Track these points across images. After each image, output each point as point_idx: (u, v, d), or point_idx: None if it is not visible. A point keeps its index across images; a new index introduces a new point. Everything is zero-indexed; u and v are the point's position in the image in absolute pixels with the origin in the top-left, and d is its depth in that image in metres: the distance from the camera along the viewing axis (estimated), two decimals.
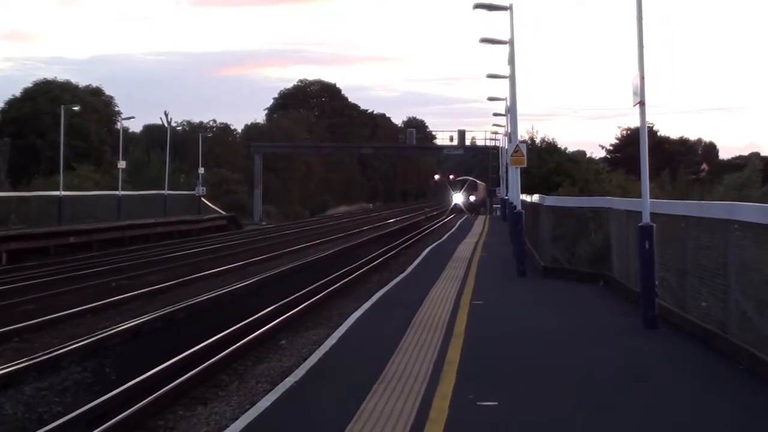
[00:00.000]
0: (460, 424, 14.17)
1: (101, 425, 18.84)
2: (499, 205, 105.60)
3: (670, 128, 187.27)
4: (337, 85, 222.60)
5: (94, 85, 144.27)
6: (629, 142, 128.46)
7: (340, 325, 25.91)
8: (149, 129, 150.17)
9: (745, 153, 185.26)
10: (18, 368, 24.99)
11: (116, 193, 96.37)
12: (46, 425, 19.01)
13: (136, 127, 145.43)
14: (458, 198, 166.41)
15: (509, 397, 15.82)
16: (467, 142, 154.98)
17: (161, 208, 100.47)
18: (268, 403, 16.29)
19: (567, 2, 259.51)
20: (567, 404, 16.12)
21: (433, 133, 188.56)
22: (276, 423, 15.27)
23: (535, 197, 48.56)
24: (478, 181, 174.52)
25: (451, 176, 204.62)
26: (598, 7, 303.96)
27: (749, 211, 18.74)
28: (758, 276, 17.40)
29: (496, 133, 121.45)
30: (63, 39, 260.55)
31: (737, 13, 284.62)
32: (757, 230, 17.38)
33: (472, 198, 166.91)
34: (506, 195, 57.65)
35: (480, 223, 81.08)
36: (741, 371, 17.43)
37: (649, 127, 25.89)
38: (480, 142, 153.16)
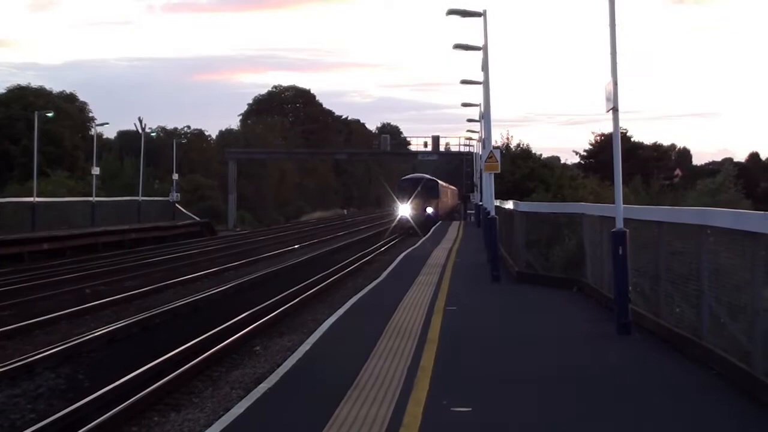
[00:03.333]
0: (434, 430, 14.19)
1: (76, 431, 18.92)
2: (473, 211, 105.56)
3: (643, 134, 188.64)
4: (312, 91, 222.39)
5: (68, 91, 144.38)
6: (603, 147, 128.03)
7: (314, 330, 25.91)
8: (123, 135, 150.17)
9: (719, 158, 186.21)
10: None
11: (90, 199, 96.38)
12: None
13: (110, 133, 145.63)
14: (406, 210, 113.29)
15: (483, 403, 15.89)
16: (441, 148, 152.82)
17: (135, 215, 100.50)
18: (242, 410, 16.26)
19: (541, 8, 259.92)
20: (540, 410, 16.18)
21: (408, 139, 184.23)
22: (250, 429, 15.30)
23: (509, 203, 48.57)
24: (440, 182, 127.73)
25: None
26: (573, 14, 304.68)
27: (722, 217, 18.82)
28: (731, 281, 17.47)
29: (470, 138, 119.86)
30: (37, 45, 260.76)
31: (711, 20, 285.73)
32: (730, 236, 17.45)
33: (430, 210, 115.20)
34: (480, 201, 57.91)
35: (454, 230, 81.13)
36: (713, 376, 17.49)
37: (622, 132, 25.95)
38: (454, 148, 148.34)
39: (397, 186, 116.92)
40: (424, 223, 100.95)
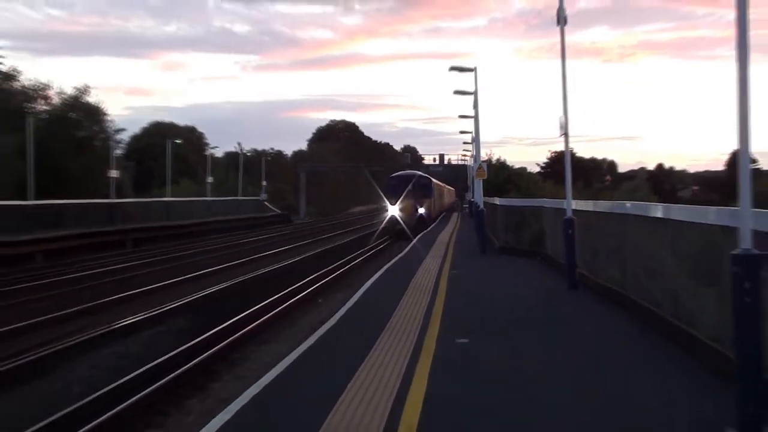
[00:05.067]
0: (443, 354, 14.39)
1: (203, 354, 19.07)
2: (467, 205, 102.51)
3: (584, 151, 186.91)
4: (356, 124, 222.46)
5: (190, 125, 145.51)
6: (557, 161, 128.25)
7: (360, 288, 25.56)
8: (228, 154, 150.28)
9: (636, 168, 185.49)
10: (139, 319, 25.16)
11: (206, 198, 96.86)
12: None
13: (219, 153, 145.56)
14: (395, 210, 74.93)
15: (476, 335, 15.99)
16: (445, 162, 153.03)
17: (236, 209, 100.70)
18: (312, 341, 16.33)
19: (515, 64, 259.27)
20: (515, 336, 16.53)
21: (422, 156, 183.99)
22: (319, 354, 15.20)
23: (495, 200, 48.78)
24: (434, 180, 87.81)
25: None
26: (539, 67, 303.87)
27: (640, 208, 19.00)
28: (645, 252, 17.59)
29: (465, 155, 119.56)
30: (168, 93, 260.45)
31: (633, 74, 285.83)
32: (644, 221, 17.60)
33: (422, 210, 76.34)
34: (473, 198, 57.83)
35: (454, 220, 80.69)
36: (634, 317, 17.64)
37: (570, 150, 25.96)
38: (454, 162, 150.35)
39: (386, 183, 75.89)
40: (415, 224, 67.13)
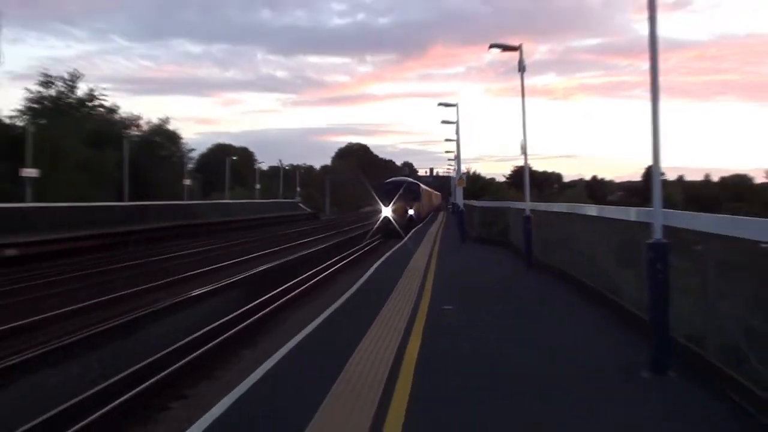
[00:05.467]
0: (434, 316, 14.40)
1: (251, 318, 19.12)
2: (451, 206, 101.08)
3: (538, 165, 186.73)
4: (368, 145, 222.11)
5: (244, 145, 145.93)
6: (518, 173, 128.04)
7: (368, 269, 25.54)
8: (271, 168, 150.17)
9: (576, 179, 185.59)
10: (204, 291, 25.22)
11: (255, 201, 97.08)
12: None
13: (264, 167, 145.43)
14: (388, 211, 66.82)
15: (458, 302, 15.98)
16: (435, 174, 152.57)
17: (277, 208, 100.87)
18: (338, 305, 16.30)
19: (486, 101, 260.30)
20: (485, 301, 16.48)
21: (417, 169, 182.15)
22: (344, 312, 15.12)
23: (474, 201, 48.95)
24: (422, 186, 79.18)
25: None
26: (502, 104, 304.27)
27: (578, 208, 19.12)
28: (584, 240, 17.64)
29: (449, 169, 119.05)
30: (227, 122, 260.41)
31: (574, 109, 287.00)
32: (582, 218, 17.67)
33: (411, 211, 68.15)
34: (455, 201, 58.00)
35: (441, 218, 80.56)
36: (575, 289, 17.67)
37: (528, 165, 26.06)
38: (442, 174, 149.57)
39: (380, 188, 68.14)
40: (406, 224, 61.05)
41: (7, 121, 68.13)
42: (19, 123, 68.08)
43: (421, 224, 63.75)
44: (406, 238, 42.77)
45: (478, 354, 11.01)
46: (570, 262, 19.41)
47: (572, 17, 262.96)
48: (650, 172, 9.89)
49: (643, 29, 9.58)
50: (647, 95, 9.58)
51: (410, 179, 69.91)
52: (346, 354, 10.82)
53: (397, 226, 56.00)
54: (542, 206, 25.88)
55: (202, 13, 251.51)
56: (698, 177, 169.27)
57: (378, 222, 60.02)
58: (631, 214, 13.10)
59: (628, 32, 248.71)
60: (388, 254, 30.34)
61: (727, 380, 8.46)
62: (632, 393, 8.71)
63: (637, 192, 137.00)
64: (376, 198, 62.74)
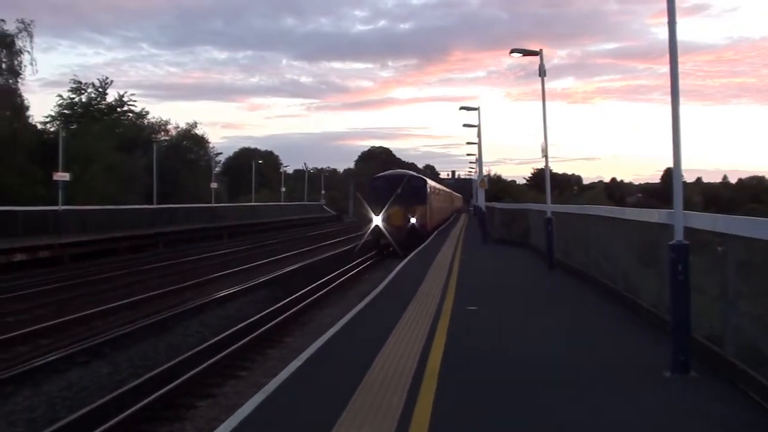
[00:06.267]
0: (457, 316, 14.35)
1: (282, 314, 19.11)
2: (472, 208, 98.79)
3: (558, 168, 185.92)
4: (390, 148, 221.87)
5: (269, 149, 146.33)
6: (538, 175, 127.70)
7: (393, 269, 25.37)
8: (296, 171, 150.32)
9: (596, 181, 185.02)
10: (232, 291, 25.27)
11: (280, 203, 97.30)
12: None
13: (289, 170, 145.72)
14: (379, 220, 41.21)
15: (482, 304, 15.93)
16: (456, 176, 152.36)
17: (302, 211, 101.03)
18: (360, 307, 16.32)
19: (506, 104, 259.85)
20: (508, 302, 16.40)
21: (439, 172, 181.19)
22: (370, 310, 15.09)
23: (496, 204, 48.98)
24: (430, 182, 52.64)
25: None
26: (521, 107, 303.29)
27: (599, 210, 19.04)
28: (602, 242, 17.57)
29: (470, 171, 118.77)
30: (252, 127, 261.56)
31: (593, 113, 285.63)
32: (602, 219, 17.59)
33: (414, 219, 42.29)
34: (476, 203, 57.58)
35: (463, 219, 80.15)
36: (595, 289, 17.59)
37: (549, 167, 26.01)
38: (463, 176, 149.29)
39: (369, 187, 46.44)
40: (405, 238, 40.84)
41: (40, 126, 68.66)
42: (52, 128, 68.56)
43: (434, 235, 45.18)
44: (408, 258, 30.22)
45: (501, 353, 10.96)
46: (590, 263, 19.32)
47: (590, 22, 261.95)
48: (669, 174, 9.87)
49: (661, 33, 9.60)
50: (665, 98, 9.55)
51: (412, 173, 48.49)
52: (373, 351, 10.82)
53: (391, 239, 39.58)
54: (562, 208, 25.82)
55: (228, 21, 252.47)
56: (716, 179, 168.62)
57: (366, 234, 41.71)
58: (651, 215, 13.04)
59: (646, 36, 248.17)
60: (411, 255, 30.20)
61: (748, 380, 8.39)
62: (654, 393, 8.63)
63: (656, 193, 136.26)
64: (363, 201, 43.86)
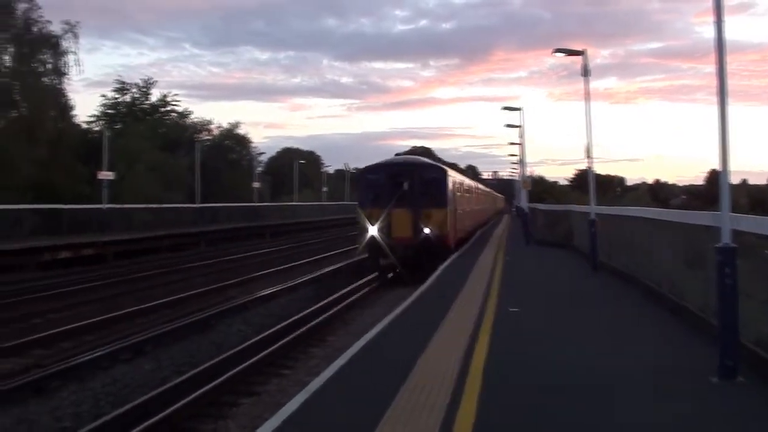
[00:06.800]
0: (500, 319, 14.29)
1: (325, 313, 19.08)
2: (515, 209, 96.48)
3: (600, 169, 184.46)
4: (431, 148, 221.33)
5: (310, 149, 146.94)
6: (581, 177, 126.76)
7: (440, 267, 25.30)
8: (337, 171, 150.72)
9: (639, 182, 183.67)
10: (275, 290, 25.38)
11: (322, 203, 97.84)
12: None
13: (331, 170, 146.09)
14: (375, 230, 27.38)
15: (525, 305, 15.86)
16: (498, 177, 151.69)
17: (344, 210, 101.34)
18: (407, 304, 16.39)
19: (548, 104, 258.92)
20: (551, 304, 16.34)
21: (481, 172, 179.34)
22: (417, 306, 15.15)
23: (538, 205, 48.77)
24: (451, 172, 32.82)
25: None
26: (563, 107, 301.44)
27: (644, 212, 18.87)
28: (649, 244, 17.42)
29: (513, 172, 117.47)
30: (294, 127, 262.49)
31: (636, 113, 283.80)
32: (646, 221, 17.45)
33: (428, 230, 27.58)
34: (519, 203, 57.16)
35: (506, 220, 79.44)
36: (640, 292, 17.44)
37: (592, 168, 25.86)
38: (505, 177, 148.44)
39: (362, 181, 30.87)
40: (415, 256, 27.59)
41: (85, 126, 69.46)
42: (96, 128, 69.33)
43: (457, 253, 31.00)
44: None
45: (545, 355, 10.91)
46: (635, 265, 19.16)
47: (633, 21, 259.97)
48: (713, 176, 9.74)
49: (705, 32, 9.65)
50: (709, 98, 9.53)
51: (425, 159, 33.33)
52: (417, 351, 10.82)
53: (394, 258, 28.05)
54: (606, 209, 25.62)
55: (269, 22, 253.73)
56: (761, 180, 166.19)
57: (360, 249, 29.52)
58: (697, 217, 12.90)
59: (690, 36, 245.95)
60: (454, 256, 30.03)
61: None
62: (701, 398, 8.55)
63: (700, 195, 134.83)
64: (358, 203, 30.63)
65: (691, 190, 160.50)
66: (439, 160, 48.67)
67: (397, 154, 33.75)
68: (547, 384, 9.21)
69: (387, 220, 27.67)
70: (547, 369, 10.00)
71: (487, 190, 75.04)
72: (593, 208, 24.83)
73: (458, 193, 33.85)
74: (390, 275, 28.32)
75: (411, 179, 28.35)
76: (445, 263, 26.61)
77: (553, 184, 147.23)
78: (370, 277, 27.67)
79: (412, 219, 27.88)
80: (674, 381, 9.35)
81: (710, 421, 7.79)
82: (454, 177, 33.10)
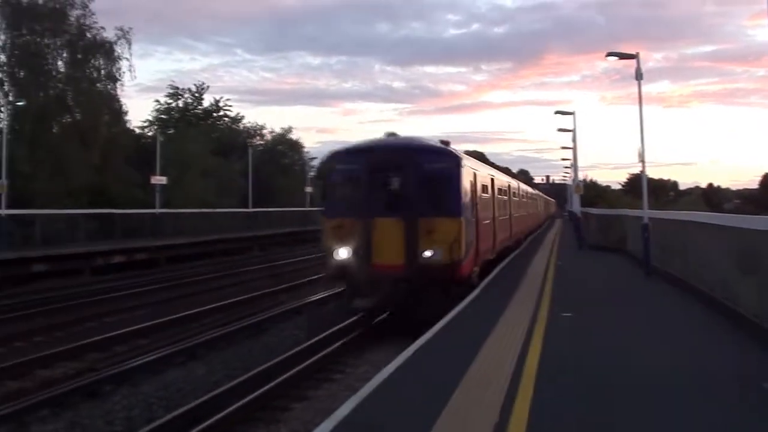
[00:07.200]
0: (553, 323, 14.27)
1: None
2: (566, 213, 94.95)
3: (653, 173, 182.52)
4: (483, 152, 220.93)
5: None
6: (633, 181, 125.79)
7: (491, 273, 25.43)
8: None
9: (692, 186, 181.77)
10: (328, 294, 25.48)
11: None
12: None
13: None
14: (345, 252, 16.57)
15: (577, 311, 15.79)
16: (551, 181, 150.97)
17: None
18: (456, 311, 16.47)
19: (600, 108, 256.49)
20: (603, 309, 16.26)
21: (533, 177, 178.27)
22: (469, 310, 15.21)
23: (591, 209, 48.46)
24: (472, 162, 20.98)
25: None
26: (616, 111, 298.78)
27: (698, 216, 18.72)
28: (703, 248, 17.27)
29: (565, 176, 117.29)
30: (346, 131, 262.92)
31: (690, 117, 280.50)
32: (700, 226, 17.32)
33: (430, 252, 16.58)
34: (571, 208, 56.73)
35: (557, 225, 78.61)
36: (694, 298, 17.30)
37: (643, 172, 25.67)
38: (557, 182, 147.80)
39: (331, 175, 18.21)
40: (407, 291, 16.39)
41: (138, 131, 70.42)
42: (149, 133, 70.30)
43: (480, 287, 19.85)
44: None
45: (597, 358, 10.91)
46: (688, 271, 19.00)
47: (686, 25, 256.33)
48: None
49: (758, 35, 9.43)
50: (764, 102, 9.36)
51: (426, 141, 19.99)
52: (470, 354, 10.89)
53: (373, 295, 17.09)
54: (659, 214, 25.42)
55: (321, 27, 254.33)
56: None
57: (327, 278, 19.98)
58: (753, 222, 12.79)
59: (743, 39, 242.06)
60: (507, 260, 29.84)
61: None
62: (753, 403, 8.49)
63: (754, 200, 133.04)
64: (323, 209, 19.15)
65: (744, 195, 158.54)
66: (492, 164, 47.67)
67: (388, 134, 20.89)
68: (599, 383, 9.30)
69: (366, 236, 17.27)
70: (599, 370, 10.03)
71: (535, 192, 67.21)
72: (646, 213, 24.66)
73: (483, 195, 22.34)
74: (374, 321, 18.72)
75: (404, 172, 17.56)
76: (496, 269, 25.67)
77: (606, 189, 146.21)
78: None
79: (405, 235, 17.25)
80: (725, 385, 9.32)
81: (761, 426, 7.75)
82: (474, 168, 21.00)
